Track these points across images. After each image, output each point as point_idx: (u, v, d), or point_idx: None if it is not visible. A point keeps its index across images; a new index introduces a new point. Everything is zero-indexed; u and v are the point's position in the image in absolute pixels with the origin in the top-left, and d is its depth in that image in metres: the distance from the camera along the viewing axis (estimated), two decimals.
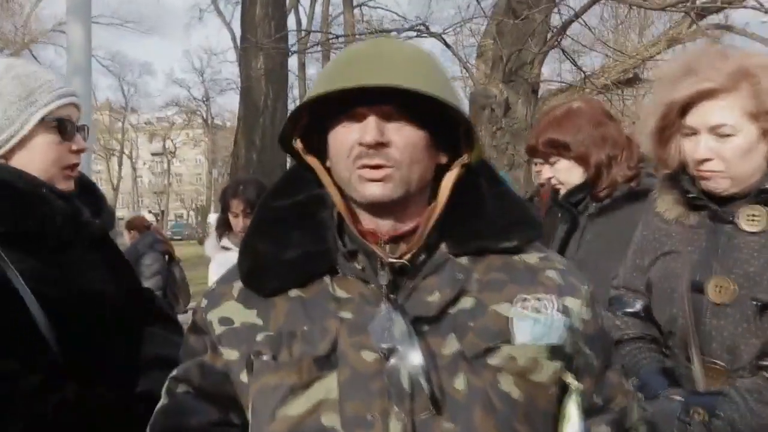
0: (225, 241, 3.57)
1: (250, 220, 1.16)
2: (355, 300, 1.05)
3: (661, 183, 1.71)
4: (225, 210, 3.52)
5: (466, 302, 1.04)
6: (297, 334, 1.04)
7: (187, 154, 58.51)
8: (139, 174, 59.24)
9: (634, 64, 10.09)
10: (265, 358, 1.04)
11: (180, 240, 33.40)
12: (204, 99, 39.44)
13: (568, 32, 8.12)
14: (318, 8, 24.30)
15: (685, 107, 1.55)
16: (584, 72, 8.77)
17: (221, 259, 3.52)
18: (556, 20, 7.99)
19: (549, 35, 7.66)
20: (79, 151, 1.57)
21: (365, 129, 1.02)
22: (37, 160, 1.51)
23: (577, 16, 7.39)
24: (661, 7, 6.94)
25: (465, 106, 1.09)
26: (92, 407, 1.42)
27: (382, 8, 12.48)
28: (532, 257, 1.11)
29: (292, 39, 11.23)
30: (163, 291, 5.13)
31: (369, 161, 1.02)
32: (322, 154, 1.11)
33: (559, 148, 2.12)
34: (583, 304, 1.09)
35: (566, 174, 2.14)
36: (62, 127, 1.53)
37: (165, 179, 57.90)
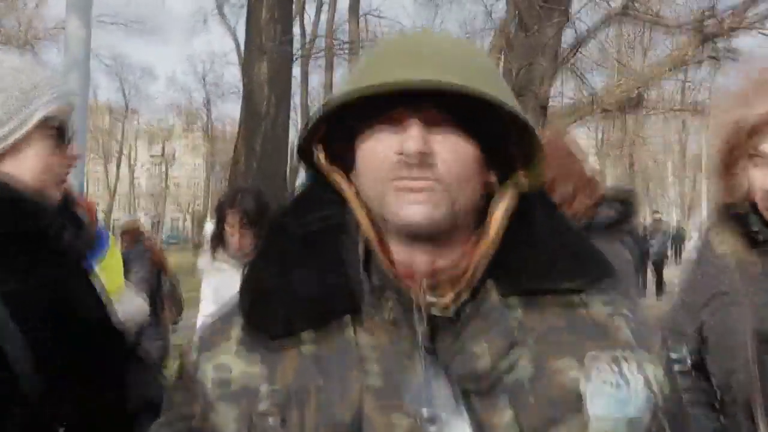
0: (219, 257, 3.33)
1: (256, 245, 0.96)
2: (383, 349, 0.85)
3: (717, 214, 1.51)
4: (221, 222, 3.28)
5: (521, 357, 0.85)
6: (311, 391, 0.83)
7: (185, 159, 58.36)
8: (137, 178, 59.03)
9: (637, 85, 9.99)
10: (270, 421, 0.84)
11: (175, 246, 33.21)
12: (205, 104, 39.29)
13: (577, 49, 7.97)
14: (323, 16, 24.24)
15: (756, 129, 1.35)
16: (593, 90, 8.59)
17: (215, 281, 3.30)
18: (566, 36, 7.85)
19: (560, 51, 7.51)
20: (73, 160, 1.38)
21: (406, 136, 0.82)
22: (30, 166, 1.32)
23: (590, 32, 7.23)
24: (678, 26, 6.79)
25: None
26: None
27: (387, 18, 12.33)
28: (595, 301, 0.91)
29: (296, 45, 11.08)
30: (152, 299, 4.93)
31: (409, 173, 0.82)
32: (344, 167, 0.92)
33: None
34: (659, 363, 0.89)
35: None
36: (61, 131, 1.35)
37: (162, 183, 57.71)
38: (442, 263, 0.87)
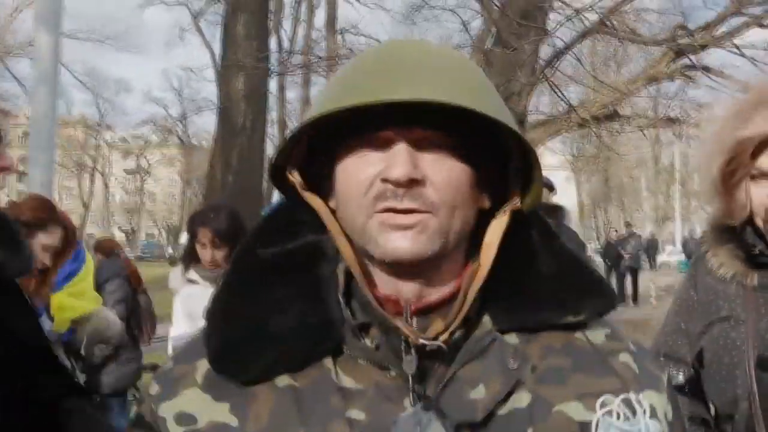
0: (191, 274, 3.22)
1: (224, 275, 0.85)
2: (369, 393, 0.76)
3: (713, 235, 1.45)
4: (192, 239, 3.17)
5: (521, 399, 0.76)
6: None
7: (161, 173, 57.73)
8: (112, 191, 58.25)
9: (613, 100, 10.09)
10: None
11: (150, 260, 32.74)
12: (181, 118, 38.94)
13: (554, 65, 8.01)
14: (300, 32, 24.24)
15: (760, 147, 1.29)
16: (571, 105, 8.63)
17: (186, 293, 3.17)
18: (545, 51, 7.89)
19: (537, 67, 7.53)
20: (3, 170, 1.27)
21: (393, 160, 0.74)
22: None
23: (567, 48, 7.26)
24: (655, 43, 6.85)
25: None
26: None
27: (365, 35, 12.33)
28: (597, 335, 0.83)
29: (273, 60, 10.99)
30: (127, 320, 4.77)
31: (396, 204, 0.73)
32: (320, 191, 0.83)
33: None
34: (666, 401, 0.82)
35: None
36: None
37: (138, 197, 57.02)
38: (432, 295, 0.79)
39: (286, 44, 23.23)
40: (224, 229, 2.99)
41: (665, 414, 0.80)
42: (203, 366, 0.80)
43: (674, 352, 1.48)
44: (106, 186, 54.35)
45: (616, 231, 17.79)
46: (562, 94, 8.57)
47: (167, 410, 0.79)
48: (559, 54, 7.43)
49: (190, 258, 3.20)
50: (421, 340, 0.74)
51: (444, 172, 0.75)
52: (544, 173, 0.83)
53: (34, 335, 1.31)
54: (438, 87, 0.72)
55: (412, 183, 0.73)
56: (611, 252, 16.73)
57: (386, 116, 0.73)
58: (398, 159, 0.73)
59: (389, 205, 0.73)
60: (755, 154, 1.30)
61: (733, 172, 1.33)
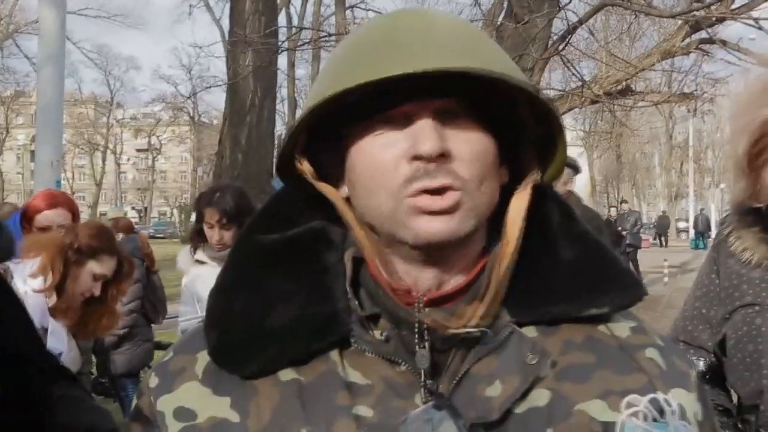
0: (200, 254, 3.19)
1: (224, 265, 0.80)
2: (378, 389, 0.71)
3: (737, 217, 1.38)
4: (199, 219, 3.13)
5: (540, 397, 0.71)
6: None
7: (172, 151, 57.88)
8: (123, 170, 58.52)
9: (627, 75, 9.91)
10: None
11: (162, 238, 32.89)
12: (191, 96, 38.84)
13: (567, 39, 7.85)
14: (309, 8, 24.01)
15: None
16: (584, 80, 8.49)
17: (194, 274, 3.14)
18: (557, 26, 7.74)
19: (550, 42, 7.39)
20: None
21: (419, 135, 0.68)
22: None
23: (581, 22, 7.12)
24: (671, 15, 6.69)
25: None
26: None
27: (374, 10, 12.16)
28: (622, 328, 0.77)
29: (282, 36, 10.87)
30: (142, 301, 4.78)
31: (430, 182, 0.68)
32: (327, 179, 0.77)
33: None
34: (696, 399, 0.76)
35: None
36: None
37: (149, 176, 57.25)
38: (449, 283, 0.73)
39: (295, 20, 23.04)
40: (231, 209, 2.96)
41: (695, 414, 0.74)
42: (204, 358, 0.76)
43: (694, 339, 1.43)
44: (118, 164, 54.62)
45: (615, 208, 17.34)
46: (576, 69, 8.43)
47: (166, 404, 0.75)
48: (572, 28, 7.28)
49: (197, 238, 3.17)
50: (451, 330, 0.69)
51: (469, 145, 0.70)
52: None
53: (19, 320, 1.28)
54: (454, 54, 0.67)
55: (442, 158, 0.68)
56: (611, 230, 16.47)
57: (400, 91, 0.68)
58: (425, 133, 0.68)
59: (423, 186, 0.68)
60: None
61: (759, 152, 1.26)
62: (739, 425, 1.35)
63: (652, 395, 0.71)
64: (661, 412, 0.70)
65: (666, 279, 14.36)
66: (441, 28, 0.71)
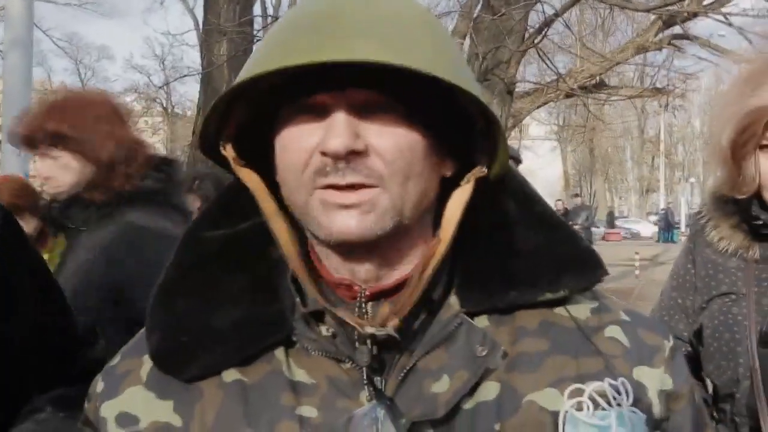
0: None
1: (168, 262, 0.77)
2: (322, 388, 0.69)
3: (714, 206, 1.39)
4: None
5: (489, 390, 0.68)
6: None
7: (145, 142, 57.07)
8: None
9: (601, 69, 10.01)
10: None
11: None
12: (164, 86, 38.32)
13: (543, 32, 7.89)
14: None
15: None
16: (559, 74, 8.54)
17: None
18: (533, 19, 7.77)
19: (527, 34, 7.42)
20: None
21: (330, 129, 0.65)
22: None
23: (557, 15, 7.15)
24: (645, 9, 6.76)
25: (478, 91, 0.71)
26: None
27: None
28: (582, 310, 0.75)
29: (257, 26, 10.75)
30: None
31: (338, 180, 0.65)
32: (267, 163, 0.73)
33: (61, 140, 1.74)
34: (664, 371, 0.73)
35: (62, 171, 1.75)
36: None
37: None
38: (392, 276, 0.70)
39: (270, 10, 22.81)
40: (211, 195, 2.93)
41: (659, 389, 0.72)
42: (149, 362, 0.73)
43: (671, 329, 1.43)
44: None
45: (562, 201, 17.04)
46: (551, 61, 8.48)
47: (108, 410, 0.73)
48: (548, 21, 7.31)
49: None
50: (368, 329, 0.66)
51: (392, 140, 0.66)
52: (528, 144, 0.75)
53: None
54: (380, 44, 0.62)
55: (353, 155, 0.64)
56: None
57: (323, 78, 0.64)
58: (335, 129, 0.64)
59: (330, 182, 0.65)
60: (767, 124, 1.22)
61: (744, 143, 1.25)
62: (715, 414, 1.37)
63: (598, 383, 0.69)
64: (608, 400, 0.68)
65: (637, 272, 14.57)
66: (376, 10, 0.66)
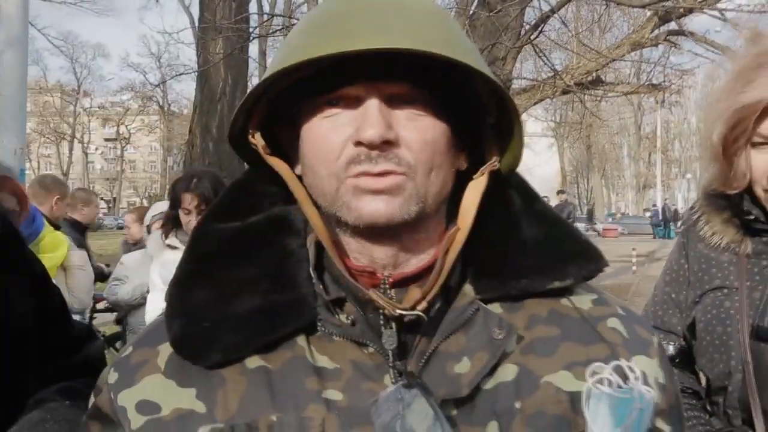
0: (172, 239, 3.13)
1: (183, 254, 0.79)
2: (347, 372, 0.71)
3: (706, 201, 1.39)
4: (175, 205, 3.08)
5: (508, 371, 0.72)
6: (260, 428, 0.68)
7: (141, 141, 57.01)
8: (91, 159, 57.51)
9: (597, 66, 10.01)
10: None
11: None
12: (160, 84, 38.22)
13: (540, 28, 7.89)
14: None
15: (762, 112, 1.21)
16: (555, 70, 8.54)
17: (165, 259, 3.09)
18: (529, 15, 7.77)
19: (523, 31, 7.42)
20: None
21: (364, 119, 0.67)
22: None
23: (553, 11, 7.15)
24: (641, 5, 6.76)
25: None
26: None
27: None
28: (584, 300, 0.80)
29: (253, 23, 10.73)
30: None
31: (371, 168, 0.67)
32: (287, 155, 0.76)
33: None
34: (658, 364, 0.78)
35: None
36: None
37: (118, 165, 56.35)
38: (411, 264, 0.74)
39: (266, 7, 22.77)
40: (209, 194, 2.92)
41: (656, 379, 0.77)
42: (166, 350, 0.74)
43: (664, 323, 1.44)
44: (85, 154, 53.63)
45: (548, 198, 16.97)
46: (547, 58, 8.48)
47: (127, 399, 0.73)
48: (545, 17, 7.31)
49: (172, 224, 3.12)
50: (399, 311, 0.69)
51: (419, 131, 0.69)
52: (525, 140, 0.78)
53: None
54: (408, 35, 0.65)
55: (386, 144, 0.67)
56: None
57: (354, 70, 0.67)
58: (370, 119, 0.67)
59: (363, 169, 0.68)
60: (759, 119, 1.22)
61: (735, 139, 1.26)
62: (708, 407, 1.37)
63: (615, 362, 0.72)
64: (625, 378, 0.71)
65: (634, 267, 14.60)
66: (401, 7, 0.69)
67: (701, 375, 1.42)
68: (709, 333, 1.32)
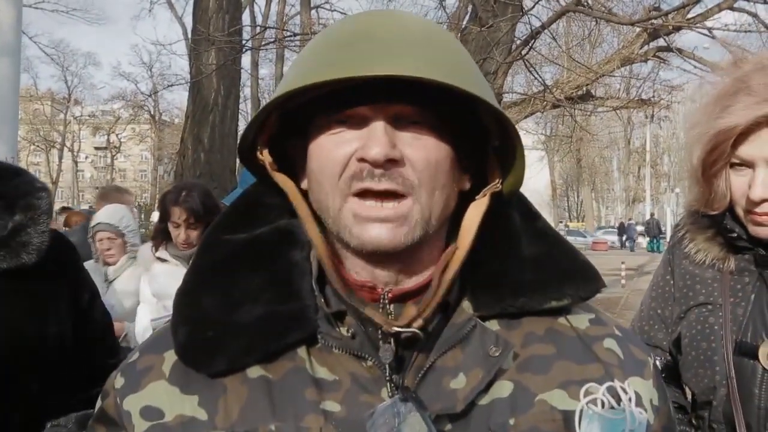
0: (162, 252, 3.13)
1: (190, 263, 0.81)
2: (345, 384, 0.73)
3: (690, 220, 1.42)
4: (164, 218, 3.08)
5: (503, 388, 0.74)
6: None
7: (132, 150, 56.79)
8: (81, 168, 57.21)
9: (587, 80, 10.12)
10: None
11: None
12: (152, 93, 38.19)
13: (530, 44, 7.96)
14: (274, 7, 23.82)
15: (741, 137, 1.24)
16: (546, 85, 8.62)
17: (155, 272, 3.09)
18: (520, 30, 7.84)
19: (513, 46, 7.49)
20: None
21: (369, 138, 0.69)
22: None
23: (544, 27, 7.23)
24: (630, 23, 6.84)
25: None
26: None
27: (340, 11, 12.17)
28: (581, 320, 0.81)
29: (246, 35, 10.76)
30: None
31: (373, 185, 0.69)
32: (295, 169, 0.79)
33: None
34: (653, 385, 0.80)
35: None
36: None
37: (108, 174, 56.04)
38: (411, 281, 0.75)
39: (259, 19, 22.82)
40: (198, 208, 2.93)
41: (650, 400, 0.78)
42: (171, 357, 0.76)
43: (650, 338, 1.47)
44: (75, 162, 53.33)
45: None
46: (538, 73, 8.56)
47: (132, 404, 0.75)
48: (535, 33, 7.39)
49: (161, 237, 3.11)
50: (395, 328, 0.71)
51: (423, 151, 0.71)
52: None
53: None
54: (415, 61, 0.67)
55: (390, 163, 0.69)
56: None
57: (362, 92, 0.69)
58: (375, 137, 0.69)
59: (366, 186, 0.69)
60: (736, 143, 1.26)
61: (713, 162, 1.29)
62: (694, 421, 1.40)
63: (609, 383, 0.74)
64: (618, 399, 0.73)
65: (623, 281, 14.66)
66: (407, 32, 0.71)
67: (687, 389, 1.44)
68: (694, 348, 1.34)
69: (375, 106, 0.70)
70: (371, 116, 0.70)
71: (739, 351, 1.27)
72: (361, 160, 0.69)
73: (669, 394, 1.38)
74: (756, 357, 1.25)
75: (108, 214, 3.63)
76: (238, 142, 0.78)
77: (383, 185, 0.69)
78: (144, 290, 3.19)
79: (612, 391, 0.73)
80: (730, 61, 1.34)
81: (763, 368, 1.24)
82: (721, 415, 1.29)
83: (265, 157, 0.77)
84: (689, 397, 1.45)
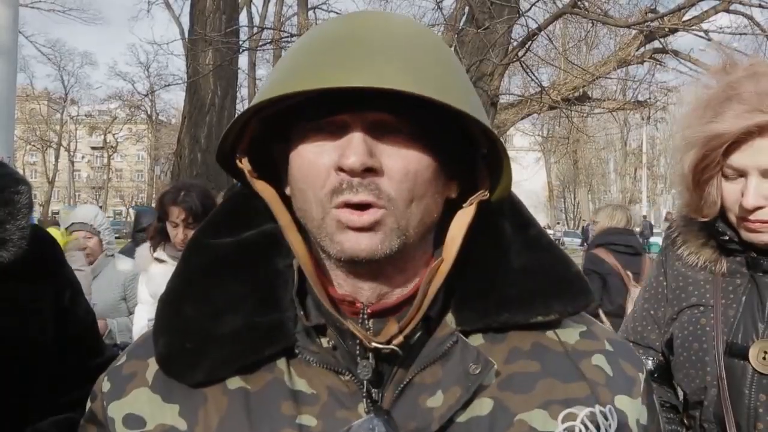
0: (159, 253, 3.13)
1: (174, 269, 0.80)
2: (323, 398, 0.72)
3: (683, 222, 1.43)
4: (162, 218, 3.08)
5: (483, 406, 0.72)
6: None
7: (128, 150, 56.75)
8: (77, 168, 57.13)
9: (584, 82, 10.14)
10: None
11: (118, 238, 32.15)
12: (149, 93, 38.09)
13: (527, 46, 7.98)
14: (271, 8, 23.84)
15: (733, 145, 1.25)
16: (542, 86, 8.64)
17: (153, 272, 3.09)
18: (517, 32, 7.87)
19: (510, 47, 7.51)
20: None
21: (347, 147, 0.68)
22: None
23: (540, 29, 7.25)
24: (626, 25, 6.87)
25: (484, 116, 0.74)
26: None
27: (336, 12, 12.18)
28: (571, 334, 0.78)
29: (243, 36, 10.77)
30: None
31: (351, 197, 0.67)
32: (278, 173, 0.77)
33: None
34: (641, 403, 0.77)
35: None
36: None
37: (104, 174, 55.96)
38: (393, 294, 0.74)
39: (256, 20, 22.83)
40: (197, 207, 2.93)
41: (637, 420, 0.76)
42: (154, 364, 0.76)
43: (643, 339, 1.48)
44: (72, 162, 53.22)
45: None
46: (534, 75, 8.58)
47: (116, 411, 0.75)
48: (532, 35, 7.41)
49: (159, 237, 3.12)
50: (374, 344, 0.69)
51: (402, 161, 0.69)
52: (513, 155, 0.79)
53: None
54: (395, 71, 0.65)
55: (368, 172, 0.67)
56: None
57: (341, 99, 0.67)
58: (352, 146, 0.67)
59: (345, 199, 0.67)
60: (727, 152, 1.26)
61: (704, 169, 1.29)
62: (685, 421, 1.41)
63: (590, 409, 0.71)
64: (597, 427, 0.71)
65: None
66: (391, 38, 0.69)
67: (679, 389, 1.45)
68: (686, 349, 1.35)
69: (354, 113, 0.68)
70: (350, 123, 0.68)
71: (730, 352, 1.28)
72: (339, 169, 0.67)
73: (659, 393, 1.40)
74: (746, 358, 1.26)
75: (82, 214, 3.81)
76: (216, 149, 0.75)
77: (360, 197, 0.67)
78: (142, 291, 3.19)
79: (592, 417, 0.71)
80: (719, 66, 1.34)
81: (753, 369, 1.25)
82: (712, 415, 1.31)
83: (244, 165, 0.75)
84: (681, 396, 1.46)
